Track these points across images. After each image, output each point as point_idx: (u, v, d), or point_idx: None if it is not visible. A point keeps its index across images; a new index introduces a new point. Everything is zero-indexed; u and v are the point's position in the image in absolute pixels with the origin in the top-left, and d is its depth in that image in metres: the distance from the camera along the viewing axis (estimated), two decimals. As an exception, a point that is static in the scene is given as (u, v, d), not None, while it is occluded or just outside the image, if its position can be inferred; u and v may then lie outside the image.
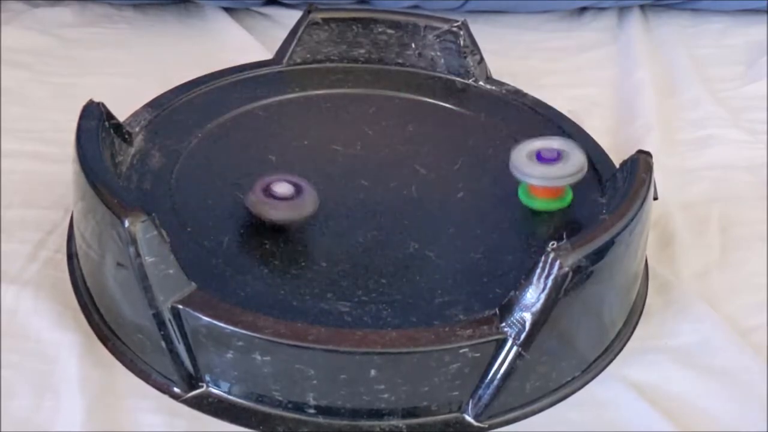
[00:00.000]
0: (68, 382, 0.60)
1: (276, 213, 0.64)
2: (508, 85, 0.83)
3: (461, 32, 0.83)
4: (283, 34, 0.85)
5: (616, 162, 0.71)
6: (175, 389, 0.59)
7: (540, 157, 0.68)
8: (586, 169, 0.68)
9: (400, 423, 0.58)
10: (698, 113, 0.92)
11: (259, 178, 0.66)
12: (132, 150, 0.71)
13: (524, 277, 0.58)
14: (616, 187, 0.68)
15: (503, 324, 0.58)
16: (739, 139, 0.88)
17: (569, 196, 0.69)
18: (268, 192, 0.65)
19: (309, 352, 0.56)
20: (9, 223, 0.72)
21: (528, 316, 0.57)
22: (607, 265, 0.60)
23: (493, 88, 0.83)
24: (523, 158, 0.68)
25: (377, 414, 0.58)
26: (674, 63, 0.99)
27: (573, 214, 0.69)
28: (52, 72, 0.91)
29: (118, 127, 0.70)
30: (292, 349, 0.56)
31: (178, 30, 1.00)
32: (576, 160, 0.68)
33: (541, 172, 0.67)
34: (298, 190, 0.65)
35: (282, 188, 0.65)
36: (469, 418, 0.59)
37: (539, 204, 0.69)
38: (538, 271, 0.57)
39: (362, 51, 0.85)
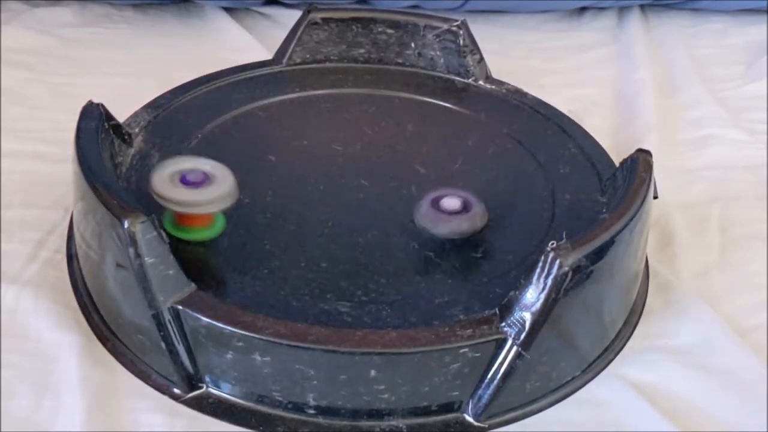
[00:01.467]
0: (68, 382, 0.60)
1: (445, 227, 0.64)
2: (508, 84, 0.83)
3: (461, 32, 0.83)
4: (282, 34, 0.85)
5: (616, 162, 0.71)
6: (175, 390, 0.59)
7: (185, 180, 0.60)
8: (236, 195, 0.61)
9: (400, 423, 0.58)
10: (698, 113, 0.92)
11: (426, 193, 0.66)
12: (132, 150, 0.71)
13: (524, 277, 0.58)
14: (616, 186, 0.68)
15: (503, 324, 0.58)
16: (739, 139, 0.88)
17: (221, 224, 0.63)
18: (437, 206, 0.64)
19: (309, 352, 0.56)
20: (9, 223, 0.72)
21: (528, 316, 0.57)
22: (607, 264, 0.60)
23: (493, 87, 0.83)
24: (164, 181, 0.60)
25: (377, 414, 0.58)
26: (674, 63, 0.99)
27: (573, 214, 0.69)
28: (52, 72, 0.91)
29: (117, 128, 0.70)
30: (292, 349, 0.56)
31: (178, 30, 1.00)
32: (224, 183, 0.60)
33: (188, 198, 0.60)
34: (467, 204, 0.64)
35: (451, 203, 0.64)
36: (469, 418, 0.59)
37: (191, 234, 0.61)
38: (538, 270, 0.57)
39: (362, 51, 0.85)
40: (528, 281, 0.57)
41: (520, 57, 1.00)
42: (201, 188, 0.60)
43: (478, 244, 0.66)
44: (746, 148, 0.87)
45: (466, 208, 0.65)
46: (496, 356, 0.58)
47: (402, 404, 0.58)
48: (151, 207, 0.61)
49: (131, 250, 0.56)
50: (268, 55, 0.87)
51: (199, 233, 0.62)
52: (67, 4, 1.01)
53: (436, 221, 0.64)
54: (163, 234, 0.57)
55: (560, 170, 0.73)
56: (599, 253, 0.58)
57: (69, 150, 0.66)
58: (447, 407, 0.59)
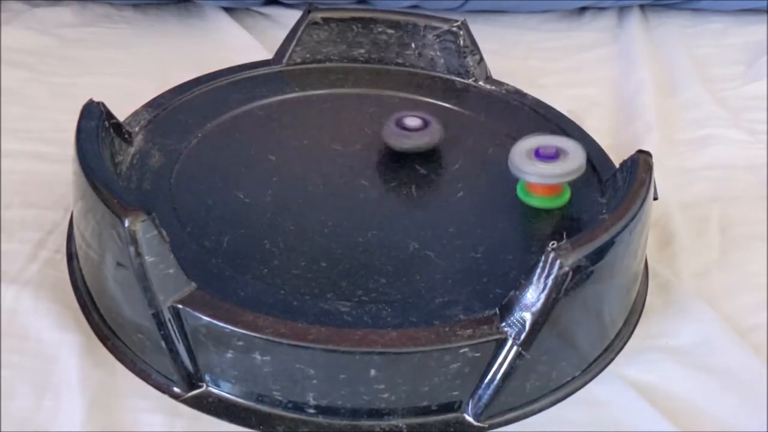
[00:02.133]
0: (68, 382, 0.60)
1: (407, 142, 0.73)
2: (508, 84, 0.83)
3: (461, 32, 0.83)
4: (282, 34, 0.85)
5: (616, 162, 0.71)
6: (175, 389, 0.59)
7: (538, 154, 0.68)
8: (584, 168, 0.68)
9: (400, 423, 0.58)
10: (698, 113, 0.92)
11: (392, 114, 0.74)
12: (132, 150, 0.71)
13: (524, 277, 0.58)
14: (616, 187, 0.68)
15: (503, 324, 0.58)
16: (739, 138, 0.88)
17: (567, 194, 0.69)
18: (400, 125, 0.73)
19: (309, 351, 0.56)
20: (9, 223, 0.72)
21: (528, 316, 0.57)
22: (607, 264, 0.60)
23: (493, 87, 0.83)
24: (521, 155, 0.68)
25: (377, 414, 0.58)
26: (674, 63, 0.99)
27: (573, 214, 0.69)
28: (52, 72, 0.91)
29: (117, 127, 0.70)
30: (292, 349, 0.56)
31: (178, 30, 1.00)
32: (575, 158, 0.68)
33: (539, 170, 0.67)
34: (426, 122, 0.74)
35: (412, 121, 0.73)
36: (469, 418, 0.59)
37: (537, 201, 0.69)
38: (538, 270, 0.57)
39: (362, 51, 0.85)
40: (528, 281, 0.57)
41: (520, 57, 1.00)
42: (554, 162, 0.68)
43: (479, 244, 0.66)
44: (746, 148, 0.87)
45: (425, 125, 0.73)
46: (496, 356, 0.58)
47: (402, 404, 0.58)
48: (152, 205, 0.61)
49: (131, 249, 0.56)
50: (268, 55, 0.87)
51: (550, 201, 0.69)
52: (67, 4, 1.01)
53: (400, 138, 0.73)
54: (164, 233, 0.57)
55: (560, 170, 0.73)
56: (599, 254, 0.58)
57: (69, 150, 0.66)
58: (447, 407, 0.59)
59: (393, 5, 0.98)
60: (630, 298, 0.67)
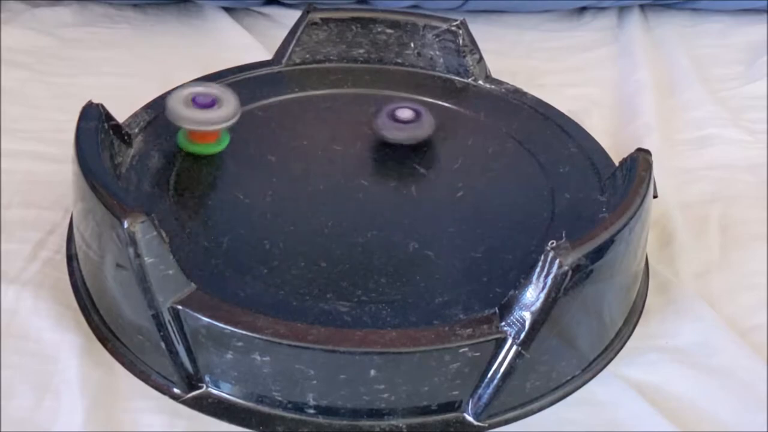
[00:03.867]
0: (68, 382, 0.60)
1: (400, 134, 0.74)
2: (508, 84, 0.83)
3: (460, 32, 0.83)
4: (282, 34, 0.85)
5: (616, 161, 0.71)
6: (175, 390, 0.59)
7: (196, 102, 0.70)
8: (238, 114, 0.71)
9: (400, 423, 0.58)
10: (698, 113, 0.92)
11: (384, 105, 0.75)
12: (131, 151, 0.71)
13: (524, 276, 0.58)
14: (615, 185, 0.68)
15: (503, 323, 0.58)
16: (739, 138, 0.88)
17: (225, 141, 0.72)
18: (393, 117, 0.74)
19: (309, 352, 0.56)
20: (9, 223, 0.72)
21: (528, 315, 0.57)
22: (606, 263, 0.60)
23: (493, 87, 0.83)
24: (179, 103, 0.70)
25: (377, 414, 0.58)
26: (674, 63, 0.99)
27: (573, 213, 0.69)
28: (52, 72, 0.91)
29: (117, 128, 0.70)
30: (292, 349, 0.56)
31: (178, 30, 1.00)
32: (230, 105, 0.71)
33: (197, 117, 0.70)
34: (418, 114, 0.75)
35: (405, 113, 0.75)
36: (469, 418, 0.59)
37: (196, 148, 0.71)
38: (538, 270, 0.57)
39: (361, 51, 0.85)
40: (528, 281, 0.57)
41: (520, 57, 1.00)
42: (210, 109, 0.70)
43: (479, 244, 0.66)
44: (746, 148, 0.87)
45: (417, 117, 0.74)
46: (496, 356, 0.58)
47: (402, 404, 0.58)
48: (151, 206, 0.61)
49: (131, 250, 0.56)
50: (268, 55, 0.87)
51: (207, 148, 0.71)
52: (67, 4, 1.01)
53: (393, 130, 0.74)
54: (163, 234, 0.57)
55: (560, 170, 0.73)
56: (599, 253, 0.58)
57: (69, 150, 0.66)
58: (447, 407, 0.59)
59: (392, 5, 0.98)
60: (630, 297, 0.67)
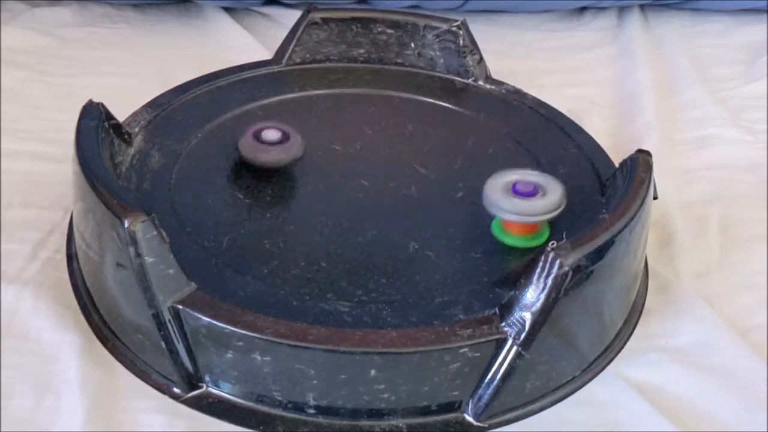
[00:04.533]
0: (68, 382, 0.60)
1: (267, 156, 0.69)
2: (508, 84, 0.83)
3: (460, 32, 0.83)
4: (282, 34, 0.85)
5: (616, 162, 0.71)
6: (175, 389, 0.59)
7: (516, 190, 0.64)
8: (564, 204, 0.65)
9: (400, 423, 0.58)
10: (698, 113, 0.92)
11: (248, 127, 0.70)
12: (131, 150, 0.71)
13: (524, 277, 0.58)
14: (615, 186, 0.68)
15: (503, 323, 0.58)
16: (738, 138, 0.88)
17: (546, 233, 0.66)
18: (258, 138, 0.69)
19: (309, 352, 0.56)
20: (9, 223, 0.72)
21: (528, 316, 0.57)
22: (607, 264, 0.60)
23: (493, 87, 0.83)
24: (498, 191, 0.64)
25: (377, 414, 0.58)
26: (674, 63, 0.99)
27: (573, 213, 0.69)
28: (52, 72, 0.91)
29: (117, 128, 0.70)
30: (292, 349, 0.56)
31: (178, 30, 1.01)
32: (554, 194, 0.64)
33: (517, 207, 0.64)
34: (286, 135, 0.70)
35: (271, 134, 0.70)
36: (469, 418, 0.59)
37: (513, 240, 0.65)
38: (538, 270, 0.57)
39: (362, 51, 0.85)
40: (528, 281, 0.57)
41: (520, 57, 1.00)
42: (532, 199, 0.64)
43: (479, 244, 0.66)
44: (746, 148, 0.87)
45: (285, 139, 0.70)
46: (496, 356, 0.58)
47: (402, 404, 0.58)
48: (151, 206, 0.61)
49: (131, 250, 0.56)
50: (268, 55, 0.87)
51: (527, 241, 0.65)
52: (66, 4, 1.01)
53: (257, 151, 0.69)
54: (163, 233, 0.57)
55: (560, 170, 0.73)
56: (599, 253, 0.58)
57: (69, 150, 0.66)
58: (447, 407, 0.59)
59: (392, 5, 0.98)
60: (630, 298, 0.67)
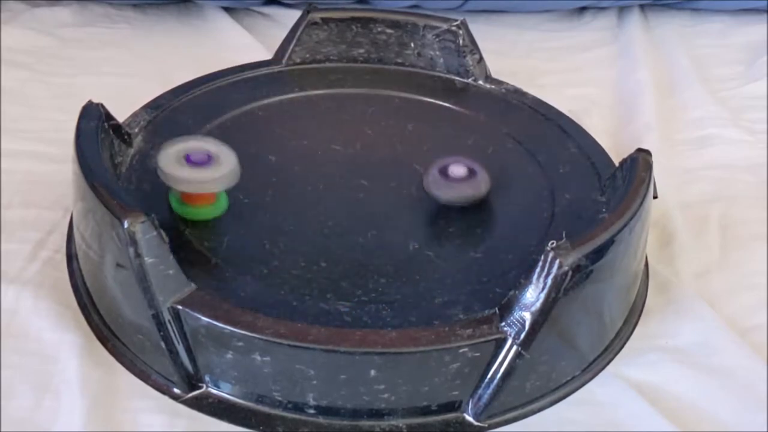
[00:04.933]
0: (68, 382, 0.60)
1: (451, 192, 0.68)
2: (508, 84, 0.83)
3: (460, 31, 0.83)
4: (282, 34, 0.85)
5: (616, 161, 0.71)
6: (175, 390, 0.59)
7: (190, 160, 0.63)
8: (238, 173, 0.64)
9: (400, 423, 0.58)
10: (698, 113, 0.92)
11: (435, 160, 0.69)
12: (131, 150, 0.71)
13: (524, 277, 0.58)
14: (615, 186, 0.68)
15: (503, 323, 0.58)
16: (738, 138, 0.88)
17: (223, 203, 0.65)
18: (445, 174, 0.68)
19: (309, 352, 0.56)
20: (9, 223, 0.72)
21: (528, 316, 0.57)
22: (606, 264, 0.60)
23: (493, 87, 0.83)
24: (171, 161, 0.63)
25: (377, 414, 0.58)
26: (674, 63, 0.99)
27: (573, 213, 0.69)
28: (52, 72, 0.91)
29: (117, 128, 0.70)
30: (292, 349, 0.56)
31: (178, 30, 1.01)
32: (227, 163, 0.63)
33: (193, 176, 0.62)
34: (472, 172, 0.68)
35: (457, 170, 0.68)
36: (469, 418, 0.59)
37: (193, 212, 0.64)
38: (538, 270, 0.57)
39: (361, 51, 0.85)
40: (528, 281, 0.57)
41: (520, 57, 1.00)
42: (205, 168, 0.63)
43: (479, 244, 0.66)
44: (746, 148, 0.87)
45: (471, 175, 0.68)
46: (496, 356, 0.58)
47: (402, 404, 0.58)
48: (151, 206, 0.61)
49: (131, 250, 0.56)
50: (268, 55, 0.87)
51: (202, 212, 0.64)
52: (66, 4, 1.01)
53: (443, 188, 0.68)
54: (163, 234, 0.57)
55: (560, 170, 0.73)
56: (599, 253, 0.58)
57: (69, 150, 0.66)
58: (447, 407, 0.59)
59: (392, 5, 0.98)
60: (630, 297, 0.67)
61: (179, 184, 0.63)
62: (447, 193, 0.68)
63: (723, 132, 0.89)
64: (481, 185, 0.68)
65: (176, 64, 0.92)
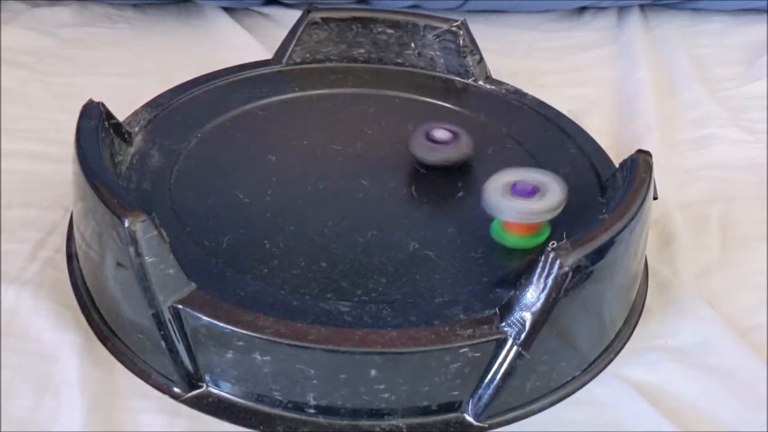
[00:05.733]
0: (68, 382, 0.60)
1: (437, 154, 0.71)
2: (508, 84, 0.83)
3: (460, 32, 0.83)
4: (282, 34, 0.85)
5: (616, 162, 0.71)
6: (175, 389, 0.59)
7: (515, 190, 0.64)
8: (564, 204, 0.64)
9: (400, 423, 0.58)
10: (698, 113, 0.92)
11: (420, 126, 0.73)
12: (132, 150, 0.71)
13: (524, 277, 0.58)
14: (615, 186, 0.68)
15: (503, 324, 0.58)
16: (738, 138, 0.88)
17: (546, 232, 0.65)
18: (429, 137, 0.72)
19: (309, 352, 0.56)
20: (9, 223, 0.72)
21: (528, 316, 0.57)
22: (607, 264, 0.60)
23: (493, 87, 0.83)
24: (497, 191, 0.64)
25: (377, 414, 0.58)
26: (674, 63, 0.99)
27: (573, 214, 0.69)
28: (52, 72, 0.91)
29: (117, 127, 0.70)
30: (292, 349, 0.56)
31: (178, 30, 1.01)
32: (554, 194, 0.64)
33: (517, 206, 0.63)
34: (456, 135, 0.72)
35: (441, 134, 0.72)
36: (469, 418, 0.59)
37: (513, 241, 0.65)
38: (538, 270, 0.57)
39: (362, 51, 0.85)
40: (528, 281, 0.57)
41: (520, 57, 1.01)
42: (527, 199, 0.64)
43: (479, 244, 0.66)
44: (746, 148, 0.87)
45: (455, 137, 0.72)
46: (496, 356, 0.58)
47: (402, 404, 0.58)
48: (151, 206, 0.61)
49: (131, 250, 0.56)
50: (268, 55, 0.87)
51: (527, 240, 0.65)
52: (66, 4, 1.01)
53: (428, 150, 0.71)
54: (164, 233, 0.57)
55: (560, 170, 0.73)
56: (599, 253, 0.58)
57: (69, 150, 0.66)
58: (447, 407, 0.59)
59: (393, 5, 0.98)
60: (630, 298, 0.67)
61: (501, 214, 0.64)
62: (432, 155, 0.71)
63: (723, 132, 0.89)
64: (464, 147, 0.72)
65: (176, 64, 0.92)
